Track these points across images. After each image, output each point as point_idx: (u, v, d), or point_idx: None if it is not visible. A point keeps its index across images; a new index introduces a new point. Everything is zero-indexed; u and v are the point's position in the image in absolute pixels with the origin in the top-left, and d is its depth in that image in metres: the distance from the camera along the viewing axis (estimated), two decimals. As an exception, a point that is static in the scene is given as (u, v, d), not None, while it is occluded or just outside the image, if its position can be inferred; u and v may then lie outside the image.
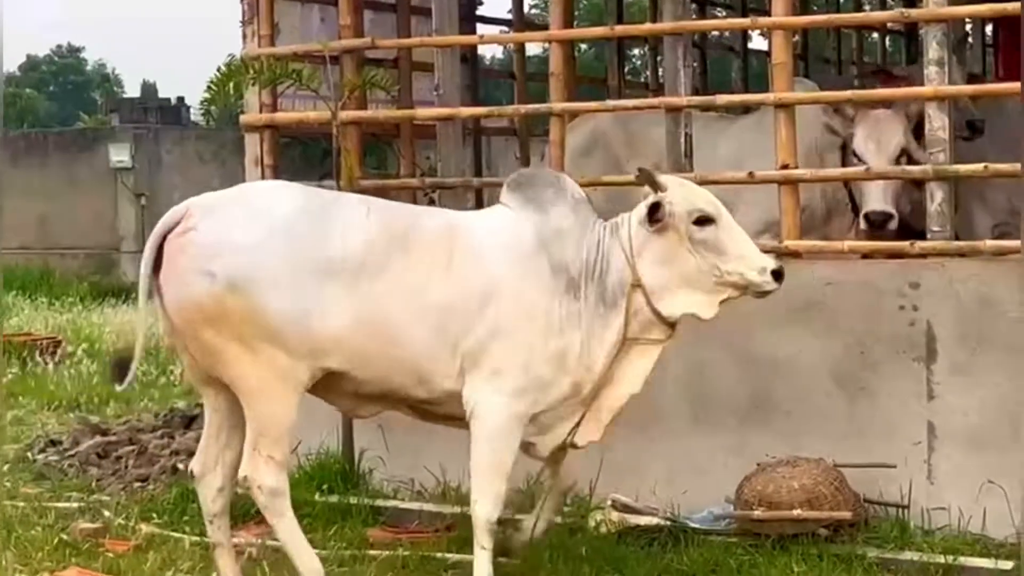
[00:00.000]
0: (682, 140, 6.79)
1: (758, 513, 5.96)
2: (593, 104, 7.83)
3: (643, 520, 6.17)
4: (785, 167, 6.51)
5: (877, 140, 6.78)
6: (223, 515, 5.46)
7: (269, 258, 5.08)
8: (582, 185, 7.05)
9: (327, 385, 5.30)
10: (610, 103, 7.61)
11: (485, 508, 5.24)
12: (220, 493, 5.43)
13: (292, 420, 5.22)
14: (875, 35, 15.81)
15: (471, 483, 5.31)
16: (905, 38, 14.18)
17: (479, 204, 9.69)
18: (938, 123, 6.25)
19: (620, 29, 8.72)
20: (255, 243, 5.10)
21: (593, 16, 31.85)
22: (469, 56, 10.00)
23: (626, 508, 6.28)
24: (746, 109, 8.32)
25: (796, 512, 5.88)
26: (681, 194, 5.30)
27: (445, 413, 5.37)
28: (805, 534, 5.91)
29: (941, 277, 6.24)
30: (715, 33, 14.01)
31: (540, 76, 9.71)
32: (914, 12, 6.77)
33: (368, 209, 5.28)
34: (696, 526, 6.16)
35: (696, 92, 10.34)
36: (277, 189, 5.44)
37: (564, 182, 5.46)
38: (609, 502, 6.38)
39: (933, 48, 6.26)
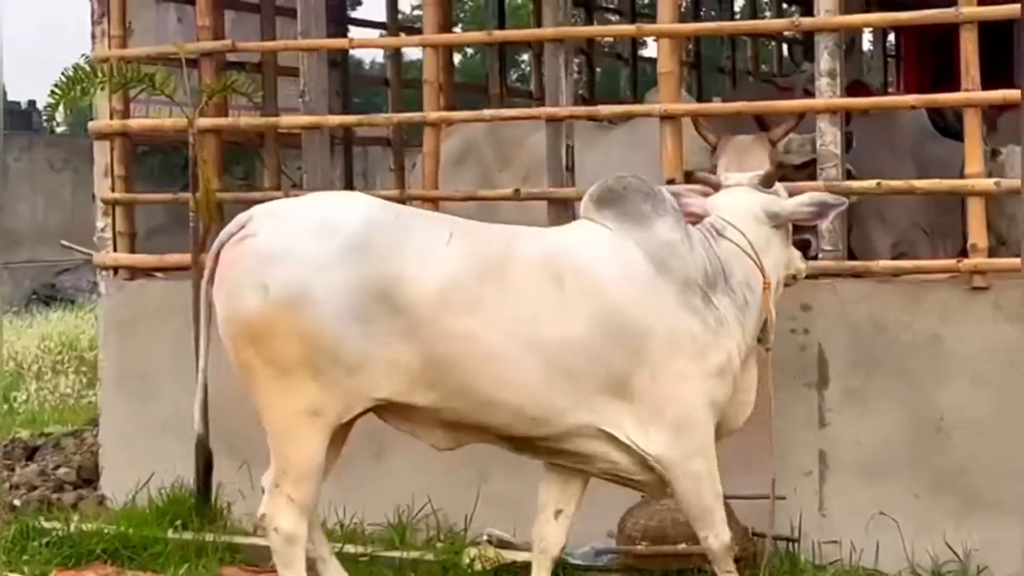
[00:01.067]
0: (563, 152, 6.83)
1: (642, 548, 6.00)
2: (468, 113, 7.85)
3: (521, 556, 6.14)
4: (671, 182, 6.57)
5: (739, 168, 6.76)
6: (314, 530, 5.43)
7: (332, 277, 4.93)
8: (459, 199, 7.16)
9: (405, 416, 5.21)
10: (487, 112, 7.62)
11: (720, 537, 5.37)
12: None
13: (319, 461, 5.12)
14: (772, 44, 16.05)
15: (694, 524, 5.39)
16: (803, 47, 14.42)
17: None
18: (829, 137, 6.36)
19: (499, 34, 8.74)
20: (317, 258, 4.95)
21: (479, 20, 31.91)
22: (340, 60, 9.97)
23: (503, 544, 6.28)
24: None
25: (681, 546, 5.92)
26: (780, 188, 5.62)
27: (555, 448, 5.29)
28: (691, 569, 5.95)
29: (833, 299, 6.35)
30: (609, 40, 14.11)
31: (419, 83, 9.69)
32: (806, 21, 6.87)
33: (450, 235, 5.10)
34: (577, 562, 6.17)
35: (584, 101, 10.46)
36: (350, 201, 5.27)
37: (659, 192, 5.39)
38: (485, 537, 6.38)
39: (824, 59, 6.37)
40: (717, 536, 5.36)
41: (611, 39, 13.86)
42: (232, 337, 5.08)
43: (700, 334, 5.21)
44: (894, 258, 7.42)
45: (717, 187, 5.66)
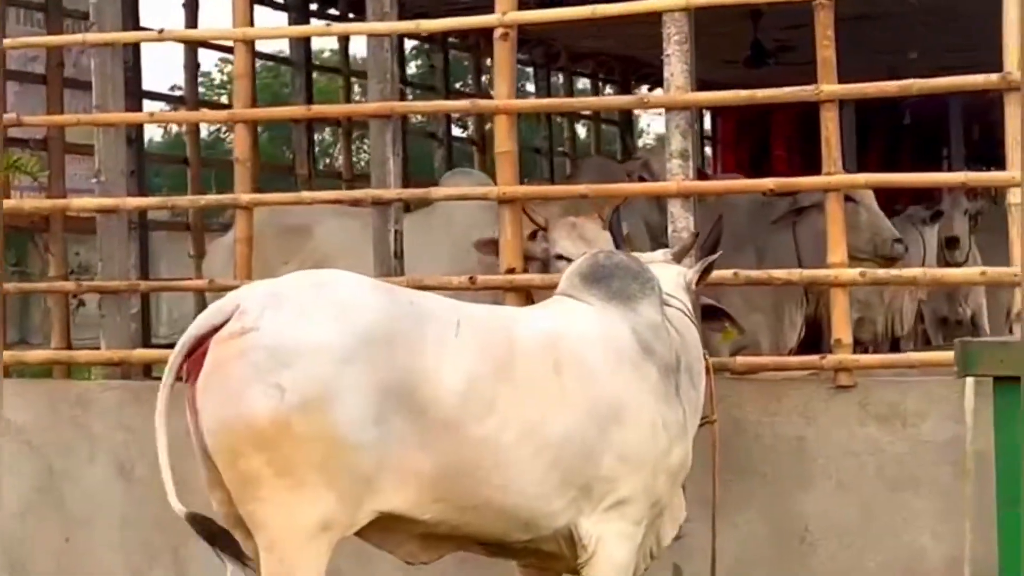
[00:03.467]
0: (392, 238, 6.41)
1: None
2: (285, 196, 7.38)
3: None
4: (511, 271, 6.21)
5: (586, 241, 6.49)
6: None
7: (355, 375, 4.38)
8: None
9: (386, 528, 4.65)
10: (306, 195, 7.11)
11: None
12: None
13: None
14: (581, 127, 16.01)
15: None
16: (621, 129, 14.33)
17: (144, 309, 9.08)
18: (682, 223, 6.01)
19: (319, 109, 8.28)
20: (339, 353, 4.39)
21: (283, 99, 31.59)
22: (135, 137, 9.42)
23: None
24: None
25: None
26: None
27: (533, 548, 4.90)
28: None
29: (687, 397, 6.00)
30: (421, 119, 13.75)
31: (217, 162, 9.27)
32: (655, 97, 6.56)
33: (457, 323, 4.65)
34: None
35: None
36: (355, 285, 4.65)
37: (646, 270, 5.10)
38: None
39: (676, 138, 6.03)
40: None
41: (422, 117, 13.44)
42: (231, 445, 4.42)
43: (671, 425, 4.93)
44: (734, 352, 7.14)
45: None
